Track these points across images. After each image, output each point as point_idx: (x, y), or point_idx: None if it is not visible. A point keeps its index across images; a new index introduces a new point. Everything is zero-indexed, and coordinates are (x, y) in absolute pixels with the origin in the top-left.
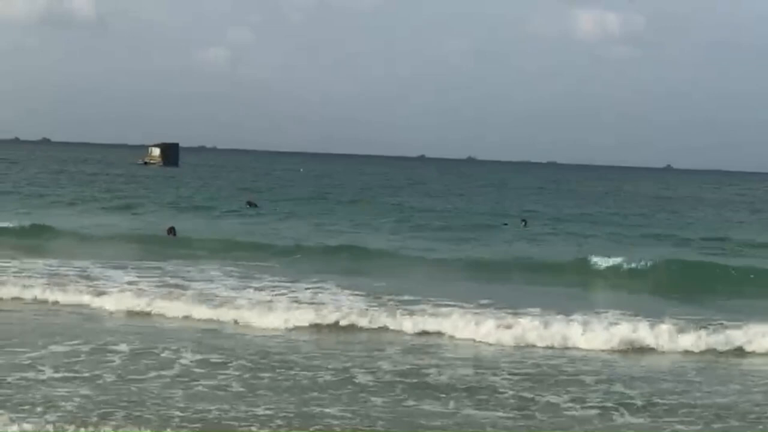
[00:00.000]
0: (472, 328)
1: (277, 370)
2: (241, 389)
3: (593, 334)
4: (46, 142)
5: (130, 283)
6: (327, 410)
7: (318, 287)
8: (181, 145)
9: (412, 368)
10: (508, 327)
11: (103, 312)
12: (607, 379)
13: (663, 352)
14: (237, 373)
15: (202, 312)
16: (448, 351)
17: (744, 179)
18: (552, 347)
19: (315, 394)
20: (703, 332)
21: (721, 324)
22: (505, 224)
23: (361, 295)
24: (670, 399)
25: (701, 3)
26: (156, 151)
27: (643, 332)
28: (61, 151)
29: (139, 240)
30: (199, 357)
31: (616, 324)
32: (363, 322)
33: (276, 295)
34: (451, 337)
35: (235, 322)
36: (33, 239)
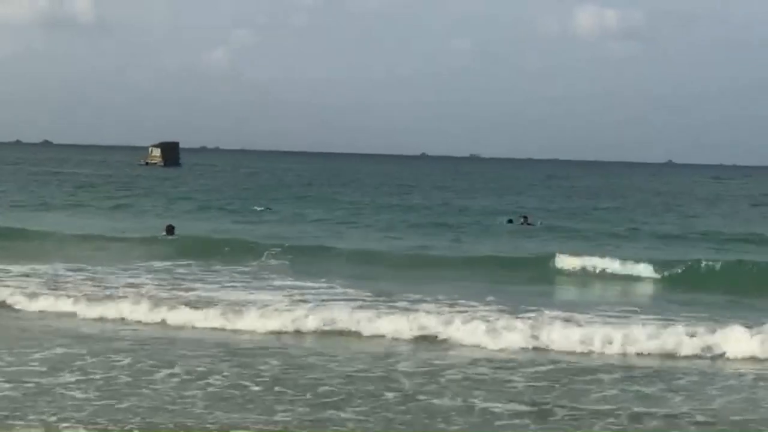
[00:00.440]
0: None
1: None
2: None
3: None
4: (47, 144)
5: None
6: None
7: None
8: (183, 146)
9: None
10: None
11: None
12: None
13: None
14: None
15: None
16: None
17: (742, 173)
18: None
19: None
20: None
21: None
22: (510, 221)
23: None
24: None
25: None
26: (156, 152)
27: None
28: (60, 152)
29: (127, 241)
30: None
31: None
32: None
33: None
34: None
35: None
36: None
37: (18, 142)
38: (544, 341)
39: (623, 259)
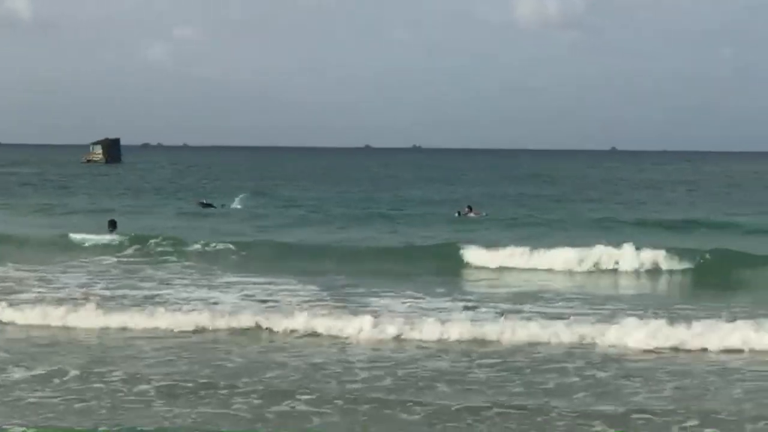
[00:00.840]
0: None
1: None
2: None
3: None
4: None
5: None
6: None
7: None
8: (125, 143)
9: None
10: None
11: None
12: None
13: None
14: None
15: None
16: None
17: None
18: None
19: None
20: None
21: None
22: (459, 213)
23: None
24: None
25: None
26: (98, 149)
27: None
28: (5, 152)
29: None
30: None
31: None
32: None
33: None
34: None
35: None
36: None
37: None
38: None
39: (549, 248)
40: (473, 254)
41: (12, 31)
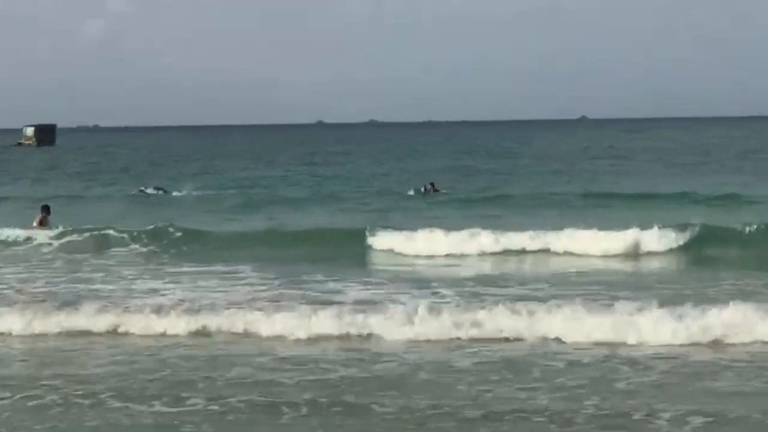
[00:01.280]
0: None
1: None
2: None
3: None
4: None
5: None
6: None
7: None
8: (60, 125)
9: None
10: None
11: None
12: None
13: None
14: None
15: None
16: None
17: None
18: None
19: None
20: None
21: None
22: (415, 191)
23: None
24: None
25: None
26: (29, 131)
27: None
28: None
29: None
30: None
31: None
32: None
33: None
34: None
35: None
36: None
37: None
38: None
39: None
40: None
41: None
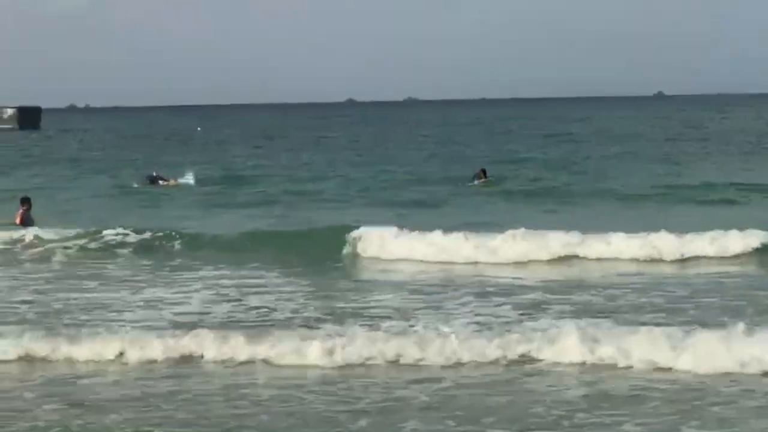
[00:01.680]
0: None
1: None
2: None
3: None
4: None
5: None
6: None
7: None
8: (46, 106)
9: None
10: None
11: None
12: None
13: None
14: None
15: None
16: None
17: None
18: None
19: None
20: None
21: None
22: (473, 182)
23: None
24: None
25: None
26: (9, 112)
27: None
28: None
29: None
30: None
31: None
32: None
33: None
34: None
35: None
36: None
37: None
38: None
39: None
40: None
41: None
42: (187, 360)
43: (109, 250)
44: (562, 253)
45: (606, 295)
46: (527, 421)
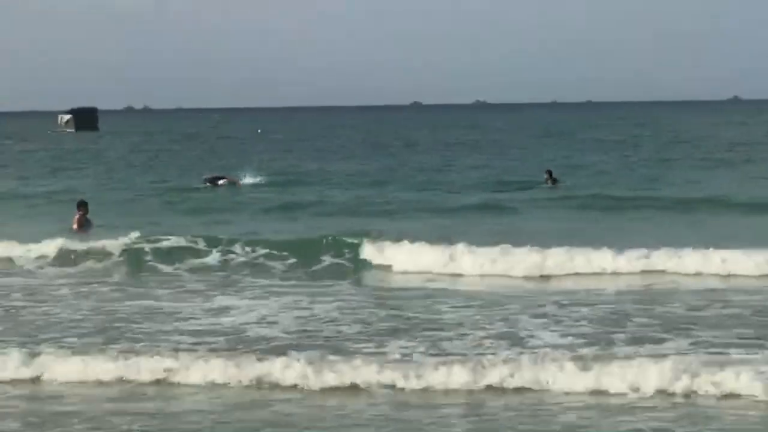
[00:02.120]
0: None
1: None
2: None
3: None
4: None
5: None
6: None
7: None
8: (103, 107)
9: None
10: None
11: None
12: None
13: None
14: None
15: None
16: None
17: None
18: None
19: None
20: None
21: None
22: (547, 182)
23: None
24: None
25: None
26: (65, 119)
27: None
28: None
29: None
30: None
31: None
32: None
33: None
34: None
35: None
36: None
37: None
38: None
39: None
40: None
41: None
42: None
43: (173, 255)
44: None
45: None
46: None
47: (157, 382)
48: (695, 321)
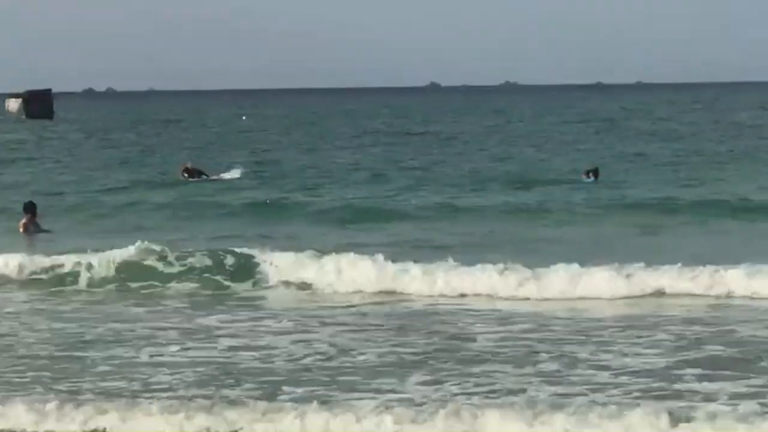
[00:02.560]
0: None
1: None
2: None
3: None
4: None
5: None
6: None
7: None
8: (59, 90)
9: None
10: None
11: None
12: None
13: None
14: None
15: None
16: None
17: None
18: None
19: None
20: None
21: None
22: (590, 178)
23: None
24: None
25: None
26: (13, 105)
27: None
28: None
29: None
30: None
31: None
32: None
33: None
34: None
35: None
36: None
37: None
38: None
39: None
40: None
41: None
42: None
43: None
44: None
45: None
46: None
47: None
48: None
